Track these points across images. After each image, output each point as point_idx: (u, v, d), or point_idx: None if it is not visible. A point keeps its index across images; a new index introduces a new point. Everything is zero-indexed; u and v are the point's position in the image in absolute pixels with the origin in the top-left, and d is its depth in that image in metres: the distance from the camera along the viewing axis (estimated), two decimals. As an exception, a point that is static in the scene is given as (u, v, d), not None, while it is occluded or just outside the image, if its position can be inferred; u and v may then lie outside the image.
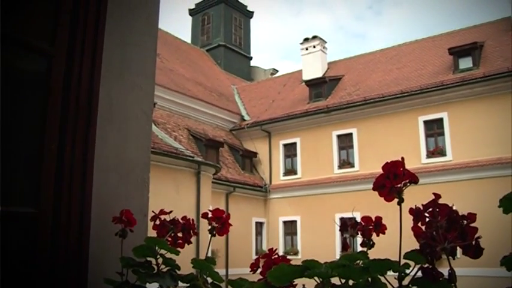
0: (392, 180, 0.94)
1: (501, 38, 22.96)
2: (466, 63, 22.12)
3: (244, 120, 28.65)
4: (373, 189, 0.97)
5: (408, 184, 0.96)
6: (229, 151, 26.10)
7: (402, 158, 0.96)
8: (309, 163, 24.89)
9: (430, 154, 21.52)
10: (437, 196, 0.93)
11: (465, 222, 0.89)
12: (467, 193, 19.06)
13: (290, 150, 26.11)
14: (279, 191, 25.37)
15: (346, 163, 23.98)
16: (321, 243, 21.82)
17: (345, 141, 24.24)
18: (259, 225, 25.24)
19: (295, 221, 24.61)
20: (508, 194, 0.91)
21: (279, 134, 26.44)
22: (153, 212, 1.68)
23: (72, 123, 1.68)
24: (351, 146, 23.96)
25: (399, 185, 0.95)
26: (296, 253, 23.79)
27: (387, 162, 0.96)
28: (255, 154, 26.85)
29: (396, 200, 0.96)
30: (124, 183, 1.89)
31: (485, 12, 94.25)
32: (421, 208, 0.93)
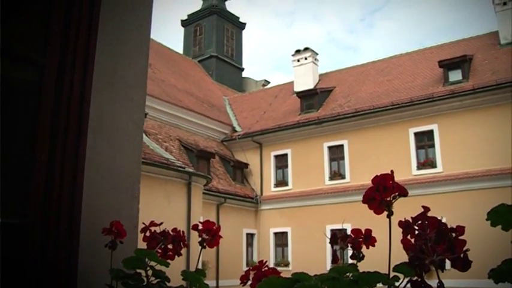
0: (382, 193, 0.95)
1: (489, 51, 23.25)
2: (455, 75, 22.34)
3: (236, 131, 28.66)
4: (363, 202, 0.98)
5: (397, 197, 0.97)
6: (220, 162, 26.06)
7: (391, 171, 0.97)
8: (300, 174, 24.91)
9: (421, 166, 21.62)
10: (426, 209, 0.94)
11: (454, 235, 0.90)
12: (457, 204, 19.17)
13: (281, 161, 26.13)
14: (270, 202, 25.34)
15: (337, 174, 24.02)
16: (312, 255, 21.78)
17: (336, 153, 24.31)
18: (250, 236, 25.16)
19: (286, 233, 24.56)
20: (495, 207, 0.92)
21: (270, 145, 26.46)
22: (143, 223, 1.67)
23: (62, 134, 1.68)
24: (342, 158, 24.03)
25: (388, 198, 0.96)
26: (287, 264, 23.71)
27: (376, 176, 0.96)
28: (246, 165, 26.84)
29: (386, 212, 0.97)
30: (114, 194, 1.88)
31: (473, 26, 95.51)
32: (411, 221, 0.94)
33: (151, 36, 2.35)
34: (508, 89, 19.82)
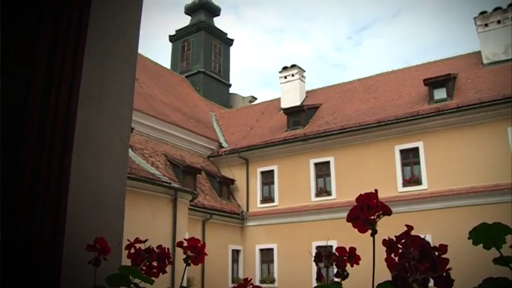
0: (366, 212, 0.96)
1: (472, 70, 23.66)
2: (440, 94, 22.65)
3: (222, 147, 28.64)
4: (347, 220, 0.98)
5: (381, 216, 0.98)
6: (206, 178, 25.98)
7: (376, 190, 0.98)
8: (286, 191, 24.91)
9: (406, 183, 21.76)
10: (410, 228, 0.95)
11: (437, 253, 0.91)
12: (442, 221, 19.30)
13: (267, 177, 26.12)
14: (256, 218, 25.26)
15: (323, 191, 24.07)
16: (298, 272, 21.70)
17: (322, 170, 24.38)
18: (235, 252, 25.01)
19: (272, 249, 24.46)
20: (476, 226, 0.93)
21: (256, 162, 26.46)
22: (128, 240, 1.66)
23: (47, 149, 1.67)
24: (328, 174, 24.10)
25: (373, 217, 0.97)
26: (273, 281, 23.59)
27: (361, 194, 0.97)
28: (232, 181, 26.78)
29: (372, 228, 0.97)
30: (99, 211, 1.87)
31: (458, 46, 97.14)
32: (394, 239, 0.95)
33: (139, 51, 2.36)
34: (490, 108, 20.13)
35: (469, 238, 0.93)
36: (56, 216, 1.66)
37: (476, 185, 19.52)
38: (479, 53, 24.43)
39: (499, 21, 23.62)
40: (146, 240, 1.58)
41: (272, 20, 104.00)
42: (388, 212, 0.96)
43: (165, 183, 17.35)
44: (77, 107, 1.79)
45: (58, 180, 1.68)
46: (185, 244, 1.50)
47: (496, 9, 23.90)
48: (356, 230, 1.00)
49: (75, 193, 1.75)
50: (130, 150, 13.89)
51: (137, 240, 1.61)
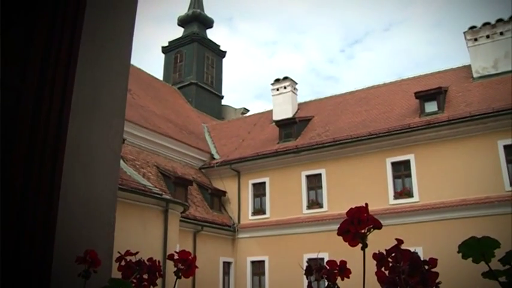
0: (356, 225, 0.96)
1: (463, 84, 23.88)
2: (431, 107, 22.80)
3: (214, 158, 28.59)
4: (338, 234, 0.99)
5: (372, 230, 0.98)
6: (198, 189, 25.89)
7: (366, 204, 0.98)
8: (277, 203, 24.87)
9: (398, 195, 21.81)
10: (400, 241, 0.95)
11: (426, 267, 0.91)
12: (433, 234, 19.34)
13: (259, 189, 26.08)
14: (248, 230, 25.17)
15: (314, 203, 24.06)
16: (289, 284, 21.58)
17: (314, 182, 24.39)
18: (226, 265, 24.87)
19: (263, 261, 24.36)
20: (465, 240, 0.94)
21: (248, 174, 26.42)
22: (118, 252, 1.65)
23: (38, 160, 1.66)
24: (320, 187, 24.11)
25: (363, 231, 0.97)
26: (264, 294, 23.46)
27: (351, 208, 0.98)
28: (223, 193, 26.71)
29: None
30: (89, 223, 1.86)
31: (448, 59, 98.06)
32: (384, 253, 0.95)
33: (132, 62, 2.36)
34: (481, 121, 20.29)
35: (458, 252, 0.94)
36: (45, 228, 1.65)
37: (467, 197, 19.62)
38: (469, 66, 24.67)
39: (488, 36, 23.90)
40: (137, 253, 1.58)
41: (265, 33, 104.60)
42: (378, 226, 0.97)
43: (156, 195, 17.27)
44: (68, 118, 1.79)
45: (48, 191, 1.67)
46: (176, 257, 1.49)
47: (484, 24, 24.21)
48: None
49: (66, 204, 1.74)
50: (121, 161, 13.79)
51: (128, 253, 1.60)
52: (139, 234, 15.26)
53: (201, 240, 22.95)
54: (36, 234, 1.62)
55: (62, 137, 1.75)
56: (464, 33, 24.79)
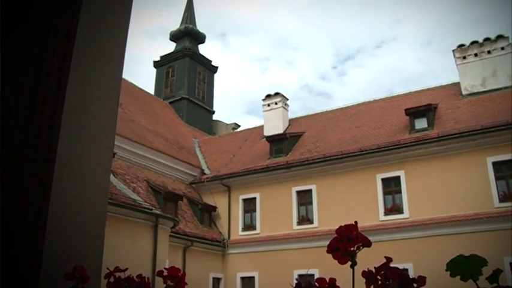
0: (346, 243, 0.97)
1: (452, 101, 24.13)
2: (421, 123, 22.98)
3: (205, 173, 28.53)
4: (327, 252, 0.99)
5: (361, 247, 0.99)
6: (188, 204, 25.78)
7: (355, 222, 0.99)
8: (268, 219, 24.81)
9: (388, 211, 21.85)
10: (389, 259, 0.96)
11: (416, 285, 0.92)
12: (423, 250, 19.36)
13: (249, 205, 26.01)
14: (238, 246, 25.04)
15: (305, 219, 24.02)
16: (279, 301, 21.45)
17: (304, 198, 24.38)
18: (216, 280, 24.67)
19: (253, 277, 24.19)
20: (453, 258, 0.94)
21: (238, 189, 26.37)
22: (107, 268, 1.64)
23: (27, 175, 1.65)
24: (310, 203, 24.09)
25: (352, 249, 0.98)
26: (253, 310, 23.26)
27: (341, 226, 0.98)
28: (214, 208, 26.61)
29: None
30: (78, 239, 1.85)
31: (437, 77, 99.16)
32: (374, 271, 0.96)
33: (123, 76, 2.36)
34: (470, 138, 20.47)
35: (446, 270, 0.95)
36: (33, 243, 1.63)
37: (456, 213, 19.69)
38: (458, 84, 24.96)
39: (476, 54, 24.25)
40: (126, 269, 1.56)
41: (258, 48, 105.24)
42: (368, 244, 0.97)
43: (146, 210, 17.17)
44: (59, 133, 1.78)
45: (37, 206, 1.66)
46: (165, 273, 1.49)
47: (473, 42, 24.58)
48: (337, 260, 1.01)
49: (54, 220, 1.73)
50: (111, 175, 13.71)
51: (117, 269, 1.59)
52: (128, 249, 15.12)
53: (190, 256, 22.79)
54: (24, 249, 1.60)
55: (52, 151, 1.74)
56: (453, 51, 25.13)
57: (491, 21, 77.00)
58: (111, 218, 12.96)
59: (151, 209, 17.60)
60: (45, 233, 1.67)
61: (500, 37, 23.97)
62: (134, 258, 14.86)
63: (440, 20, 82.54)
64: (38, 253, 1.64)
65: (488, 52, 23.90)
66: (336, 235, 0.99)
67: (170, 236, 18.94)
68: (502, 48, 23.65)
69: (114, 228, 13.72)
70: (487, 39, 24.23)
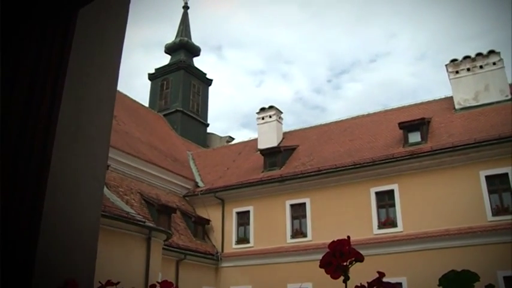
0: (338, 258, 0.97)
1: (445, 115, 24.27)
2: (415, 137, 23.07)
3: (198, 186, 28.44)
4: (320, 266, 0.99)
5: (354, 262, 0.99)
6: (181, 217, 25.66)
7: (348, 237, 0.99)
8: (261, 232, 24.71)
9: (382, 225, 21.83)
10: (381, 274, 0.96)
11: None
12: (417, 264, 19.32)
13: (243, 218, 25.92)
14: (231, 259, 24.90)
15: (298, 233, 23.95)
16: (272, 315, 21.31)
17: (298, 211, 24.33)
18: (209, 294, 24.49)
19: (247, 291, 24.03)
20: (446, 274, 0.95)
21: (232, 202, 26.29)
22: (99, 282, 1.63)
23: (21, 189, 1.65)
24: (304, 216, 24.04)
25: (345, 263, 0.98)
26: (247, 325, 23.07)
27: (333, 241, 0.99)
28: (207, 221, 26.49)
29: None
30: (71, 251, 1.84)
31: (431, 91, 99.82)
32: (366, 286, 0.96)
33: (118, 88, 2.37)
34: (463, 152, 20.57)
35: (438, 285, 0.95)
36: (26, 257, 1.62)
37: (450, 227, 19.70)
38: (451, 98, 25.12)
39: (468, 69, 24.46)
40: (118, 283, 1.56)
41: (254, 62, 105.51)
42: (360, 259, 0.97)
43: (139, 222, 17.08)
44: (52, 146, 1.78)
45: (30, 218, 1.66)
46: (158, 287, 1.48)
47: (465, 57, 24.81)
48: (330, 274, 1.01)
49: (47, 232, 1.72)
50: (105, 187, 13.65)
51: (109, 283, 1.59)
52: (121, 262, 15.01)
53: (184, 269, 22.63)
54: (16, 262, 1.59)
55: (46, 163, 1.74)
56: (446, 65, 25.34)
57: (484, 37, 77.78)
58: (103, 231, 12.87)
59: (144, 222, 17.51)
60: (38, 246, 1.67)
61: (491, 52, 24.22)
62: (127, 271, 14.74)
63: (434, 35, 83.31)
64: (30, 266, 1.63)
65: (481, 67, 24.12)
66: (324, 254, 0.99)
67: (163, 248, 18.83)
68: (494, 63, 23.87)
69: (106, 240, 13.62)
70: (479, 54, 24.47)
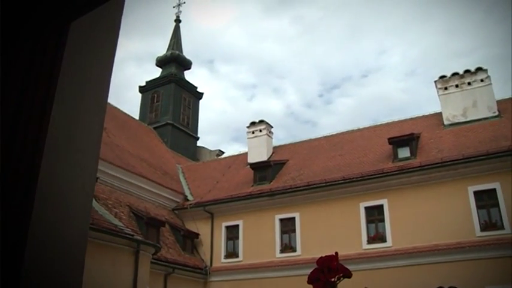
0: (326, 274, 0.97)
1: (434, 131, 24.47)
2: (404, 152, 23.21)
3: (188, 200, 28.32)
4: (308, 282, 0.99)
5: (342, 278, 0.99)
6: (170, 231, 25.49)
7: (336, 253, 0.99)
8: (250, 246, 24.61)
9: (371, 240, 21.85)
10: (369, 290, 0.96)
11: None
12: (406, 279, 19.32)
13: (232, 232, 25.82)
14: (220, 273, 24.74)
15: (288, 247, 23.88)
16: (261, 330, 21.15)
17: (288, 225, 24.29)
18: (197, 309, 24.26)
19: (235, 306, 23.85)
20: (433, 290, 0.95)
21: (221, 216, 26.19)
22: (86, 296, 1.61)
23: (8, 200, 1.63)
24: (293, 230, 24.00)
25: (333, 279, 0.98)
26: None
27: (321, 257, 0.99)
28: (196, 235, 26.34)
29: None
30: (58, 265, 1.82)
31: (420, 106, 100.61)
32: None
33: (108, 101, 2.36)
34: (451, 167, 20.71)
35: (426, 301, 0.95)
36: (10, 269, 1.60)
37: (439, 242, 19.76)
38: (440, 114, 25.36)
39: (457, 86, 24.75)
40: (105, 298, 1.55)
41: (245, 76, 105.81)
42: (348, 275, 0.97)
43: (127, 235, 16.95)
44: (42, 157, 1.77)
45: (16, 230, 1.64)
46: (145, 302, 1.47)
47: (454, 74, 25.11)
48: None
49: (33, 245, 1.70)
50: (93, 200, 13.54)
51: (96, 297, 1.57)
52: (108, 276, 14.87)
53: (172, 283, 22.44)
54: (2, 275, 1.57)
55: (34, 176, 1.73)
56: (435, 82, 25.61)
57: (472, 54, 78.79)
58: (91, 244, 12.76)
59: (132, 235, 17.38)
60: (24, 258, 1.65)
61: (479, 69, 24.55)
62: (114, 285, 14.60)
63: (424, 51, 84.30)
64: (16, 278, 1.61)
65: (469, 83, 24.42)
66: (312, 270, 0.99)
67: (151, 262, 18.68)
68: (482, 80, 24.19)
69: (94, 253, 13.50)
70: (467, 71, 24.78)
